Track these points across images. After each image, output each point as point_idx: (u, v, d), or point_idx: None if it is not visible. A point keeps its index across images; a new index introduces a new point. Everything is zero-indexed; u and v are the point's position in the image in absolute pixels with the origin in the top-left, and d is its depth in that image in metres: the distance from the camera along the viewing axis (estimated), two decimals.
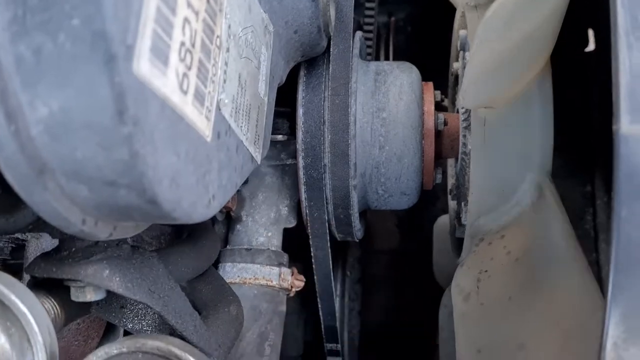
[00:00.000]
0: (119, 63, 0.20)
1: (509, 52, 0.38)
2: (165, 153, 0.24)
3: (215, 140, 0.29)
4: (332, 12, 0.47)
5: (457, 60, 0.61)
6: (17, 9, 0.20)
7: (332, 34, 0.47)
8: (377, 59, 0.81)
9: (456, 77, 0.62)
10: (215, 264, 0.54)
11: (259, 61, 0.38)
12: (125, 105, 0.21)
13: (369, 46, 0.76)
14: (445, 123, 0.53)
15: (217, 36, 0.29)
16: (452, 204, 0.64)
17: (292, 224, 0.56)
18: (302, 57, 0.47)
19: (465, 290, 0.42)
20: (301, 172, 0.49)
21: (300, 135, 0.49)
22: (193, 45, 0.26)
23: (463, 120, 0.54)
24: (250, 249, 0.53)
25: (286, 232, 0.56)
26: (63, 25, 0.20)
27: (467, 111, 0.52)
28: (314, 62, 0.49)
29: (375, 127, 0.50)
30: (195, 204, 0.28)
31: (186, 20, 0.25)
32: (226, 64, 0.31)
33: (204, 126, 0.28)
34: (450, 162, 0.65)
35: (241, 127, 0.34)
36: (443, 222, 0.69)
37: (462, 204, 0.53)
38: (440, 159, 0.56)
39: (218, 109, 0.30)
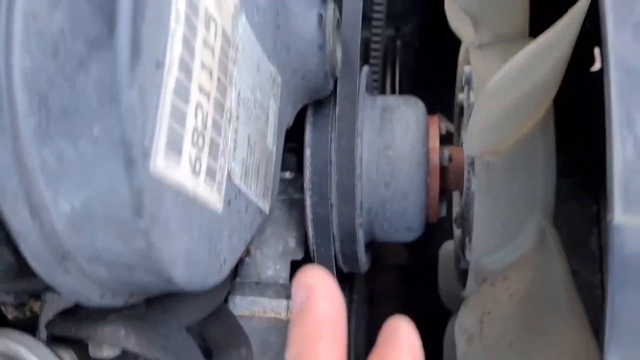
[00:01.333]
0: (138, 166, 0.21)
1: (515, 104, 0.39)
2: (179, 237, 0.25)
3: (226, 208, 0.31)
4: (339, 55, 0.48)
5: (462, 91, 0.62)
6: (41, 117, 0.21)
7: (338, 76, 0.49)
8: (383, 80, 0.82)
9: (461, 108, 0.63)
10: (225, 297, 0.55)
11: (267, 115, 0.39)
12: (143, 203, 0.22)
13: (375, 64, 0.77)
14: (450, 159, 0.54)
15: (228, 109, 0.30)
16: (457, 232, 0.65)
17: (299, 256, 0.57)
18: (309, 100, 0.49)
19: (469, 332, 0.43)
20: (308, 210, 0.51)
21: (307, 174, 0.50)
22: (205, 127, 0.27)
23: (469, 160, 0.55)
24: (259, 283, 0.55)
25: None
26: (84, 133, 0.21)
27: None
28: (321, 102, 0.50)
29: (381, 165, 0.52)
30: (208, 273, 0.29)
31: (198, 105, 0.26)
32: (236, 131, 0.32)
33: (216, 200, 0.29)
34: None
35: (250, 186, 0.35)
36: (448, 247, 0.70)
37: (467, 239, 0.54)
38: (445, 193, 0.57)
39: (229, 177, 0.31)
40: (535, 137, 0.45)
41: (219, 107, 0.29)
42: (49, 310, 0.40)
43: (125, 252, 0.23)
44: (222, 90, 0.29)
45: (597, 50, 1.03)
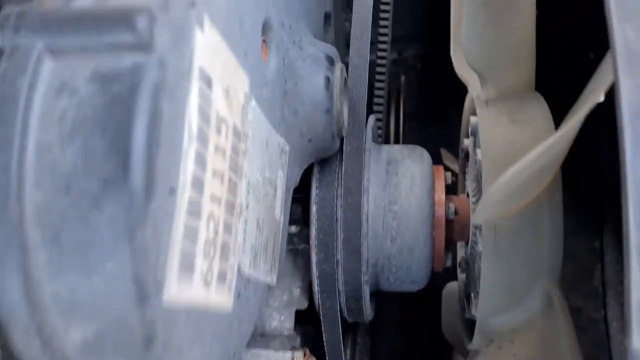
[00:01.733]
0: (151, 301, 0.21)
1: (524, 183, 0.39)
2: (191, 352, 0.25)
3: (235, 301, 0.30)
4: (346, 115, 0.48)
5: (467, 137, 0.62)
6: (52, 252, 0.21)
7: (344, 134, 0.48)
8: (388, 104, 0.81)
9: (466, 153, 0.63)
10: None
11: (275, 188, 0.39)
12: (155, 333, 0.22)
13: (380, 87, 0.76)
14: (456, 212, 0.54)
15: (239, 204, 0.30)
16: (461, 276, 0.65)
17: (304, 305, 0.57)
18: (316, 159, 0.48)
19: None
20: (314, 267, 0.50)
21: (313, 231, 0.50)
22: (216, 233, 0.27)
23: (474, 208, 0.54)
24: (264, 335, 0.54)
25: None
26: (97, 269, 0.21)
27: (479, 200, 0.53)
28: (327, 158, 0.50)
29: (387, 220, 0.51)
30: None
31: (210, 216, 0.26)
32: (246, 221, 0.32)
33: (226, 300, 0.29)
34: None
35: (259, 267, 0.35)
36: (452, 287, 0.70)
37: (472, 293, 0.54)
38: (450, 244, 0.57)
39: (238, 270, 0.31)
40: (542, 201, 0.44)
41: (230, 207, 0.29)
42: None
43: None
44: (233, 188, 0.29)
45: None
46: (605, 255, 0.84)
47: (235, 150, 0.29)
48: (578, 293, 0.83)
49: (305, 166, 0.48)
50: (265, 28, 0.37)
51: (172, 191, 0.22)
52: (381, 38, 0.79)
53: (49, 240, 0.21)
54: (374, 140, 0.58)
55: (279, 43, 0.39)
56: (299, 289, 0.58)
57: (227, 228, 0.28)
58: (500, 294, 0.46)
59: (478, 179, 0.52)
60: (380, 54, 0.79)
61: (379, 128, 0.69)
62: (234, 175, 0.29)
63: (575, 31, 0.95)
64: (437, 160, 0.90)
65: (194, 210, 0.24)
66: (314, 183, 0.51)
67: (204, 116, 0.25)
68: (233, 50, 0.29)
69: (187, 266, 0.23)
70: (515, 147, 0.47)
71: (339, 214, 0.50)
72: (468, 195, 0.57)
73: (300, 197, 0.56)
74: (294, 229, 0.53)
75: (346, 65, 0.52)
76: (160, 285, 0.21)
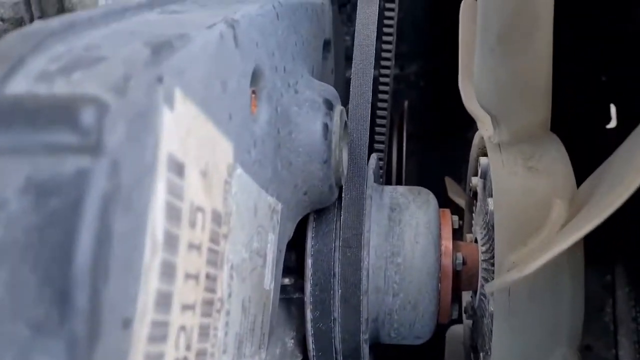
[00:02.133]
0: None
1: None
2: None
3: None
4: (345, 162, 0.43)
5: (475, 174, 0.57)
6: None
7: (344, 183, 0.44)
8: (389, 141, 0.77)
9: (474, 193, 0.58)
10: None
11: (265, 256, 0.34)
12: None
13: (383, 108, 0.72)
14: (464, 261, 0.50)
15: (219, 298, 0.26)
16: (467, 322, 0.61)
17: (298, 358, 0.52)
18: (312, 210, 0.44)
19: None
20: (309, 324, 0.46)
21: (308, 287, 0.45)
22: (188, 347, 0.22)
23: (483, 257, 0.50)
24: None
25: None
26: None
27: (489, 249, 0.49)
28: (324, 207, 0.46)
29: (389, 273, 0.47)
30: None
31: (181, 330, 0.22)
32: (228, 313, 0.27)
33: None
34: None
35: (244, 353, 0.31)
36: (456, 331, 0.66)
37: (480, 351, 0.50)
38: (457, 294, 0.52)
39: None
40: (562, 262, 0.40)
41: (208, 307, 0.24)
42: None
43: None
44: (212, 285, 0.24)
45: (613, 108, 0.98)
46: (617, 290, 0.80)
47: (214, 239, 0.24)
48: (588, 330, 0.79)
49: (300, 218, 0.44)
50: (255, 77, 0.33)
51: (127, 323, 0.18)
52: (385, 54, 0.75)
53: None
54: (376, 181, 0.54)
55: (271, 90, 0.35)
56: (292, 341, 0.54)
57: (204, 333, 0.24)
58: None
59: (489, 229, 0.48)
60: (383, 71, 0.74)
61: (381, 167, 0.64)
62: (212, 269, 0.24)
63: (587, 51, 0.91)
64: (441, 185, 0.87)
65: (158, 335, 0.20)
66: (310, 233, 0.46)
67: (174, 216, 0.20)
68: (214, 118, 0.25)
69: None
70: (533, 199, 0.43)
71: (337, 268, 0.46)
72: (476, 240, 0.53)
73: (294, 243, 0.51)
74: (287, 280, 0.49)
75: (348, 80, 0.47)
76: None
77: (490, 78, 0.45)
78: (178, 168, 0.21)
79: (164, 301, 0.20)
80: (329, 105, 0.40)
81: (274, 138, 0.35)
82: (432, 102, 1.10)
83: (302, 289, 0.49)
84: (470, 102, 0.56)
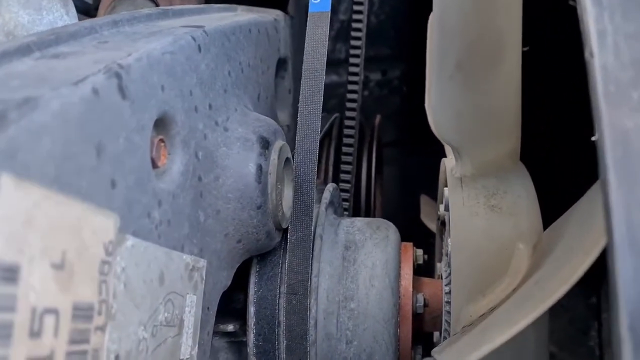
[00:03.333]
0: None
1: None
2: None
3: None
4: (287, 204, 0.39)
5: (442, 202, 0.53)
6: None
7: (287, 223, 0.40)
8: (359, 152, 0.73)
9: (442, 222, 0.55)
10: None
11: (181, 323, 0.31)
12: None
13: (350, 117, 0.68)
14: (426, 304, 0.46)
15: None
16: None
17: None
18: (250, 255, 0.40)
19: None
20: None
21: (251, 337, 0.41)
22: None
23: (446, 298, 0.46)
24: None
25: None
26: None
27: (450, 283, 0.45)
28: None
29: (342, 319, 0.43)
30: None
31: None
32: None
33: None
34: None
35: None
36: None
37: None
38: (419, 337, 0.48)
39: None
40: (527, 334, 0.36)
41: None
42: None
43: None
44: None
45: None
46: (602, 312, 0.76)
47: (78, 338, 0.21)
48: (573, 354, 0.76)
49: (238, 264, 0.40)
50: (163, 124, 0.29)
51: None
52: (353, 60, 0.70)
53: None
54: (335, 212, 0.50)
55: (188, 135, 0.31)
56: None
57: None
58: None
59: (450, 268, 0.44)
60: (351, 77, 0.70)
61: (347, 189, 0.60)
62: None
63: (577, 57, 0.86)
64: (418, 194, 0.82)
65: None
66: (252, 278, 0.43)
67: None
68: (81, 192, 0.21)
69: None
70: (494, 243, 0.39)
71: (282, 317, 0.42)
72: (441, 277, 0.49)
73: (238, 284, 0.47)
74: (231, 327, 0.45)
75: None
76: None
77: (449, 108, 0.41)
78: (7, 273, 0.17)
79: None
80: (264, 143, 0.36)
81: (193, 188, 0.31)
82: (415, 107, 1.06)
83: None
84: (437, 129, 0.53)
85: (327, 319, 0.43)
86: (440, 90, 0.40)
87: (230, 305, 0.46)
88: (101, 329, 0.22)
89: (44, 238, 0.19)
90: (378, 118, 0.71)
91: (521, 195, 0.41)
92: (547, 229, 0.38)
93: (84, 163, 0.21)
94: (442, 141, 0.45)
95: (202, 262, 0.33)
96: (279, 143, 0.38)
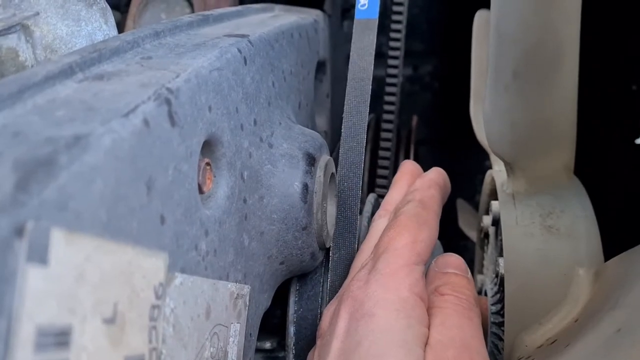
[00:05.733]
0: None
1: None
2: None
3: None
4: (331, 220, 0.37)
5: (486, 212, 0.51)
6: None
7: (330, 242, 0.38)
8: (395, 156, 0.70)
9: (485, 234, 0.52)
10: None
11: (224, 356, 0.29)
12: None
13: (389, 111, 0.66)
14: None
15: None
16: None
17: None
18: (292, 275, 0.38)
19: None
20: None
21: (291, 358, 0.40)
22: None
23: (492, 319, 0.44)
24: None
25: None
26: None
27: (499, 311, 0.43)
28: None
29: None
30: None
31: None
32: None
33: None
34: None
35: None
36: None
37: None
38: None
39: None
40: None
41: None
42: None
43: None
44: None
45: None
46: None
47: None
48: None
49: (279, 284, 0.38)
50: (210, 146, 0.27)
51: None
52: (392, 53, 0.68)
53: None
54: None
55: (234, 156, 0.29)
56: None
57: None
58: None
59: (500, 291, 0.42)
60: (390, 71, 0.67)
61: (384, 185, 0.58)
62: None
63: (616, 59, 0.83)
64: (453, 196, 0.80)
65: None
66: (292, 297, 0.41)
67: None
68: (132, 235, 0.19)
69: None
70: (551, 268, 0.36)
71: None
72: (486, 294, 0.47)
73: (278, 302, 0.46)
74: (269, 344, 0.44)
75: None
76: None
77: (504, 120, 0.38)
78: (57, 338, 0.15)
79: None
80: (310, 160, 0.34)
81: (238, 211, 0.30)
82: (446, 104, 1.03)
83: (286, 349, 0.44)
84: (482, 132, 0.50)
85: None
86: (494, 101, 0.38)
87: (267, 322, 0.45)
88: None
89: (95, 292, 0.17)
90: (415, 119, 0.68)
91: (579, 215, 0.38)
92: (617, 257, 0.35)
93: (135, 202, 0.20)
94: (495, 155, 0.43)
95: (246, 289, 0.31)
96: (324, 158, 0.36)
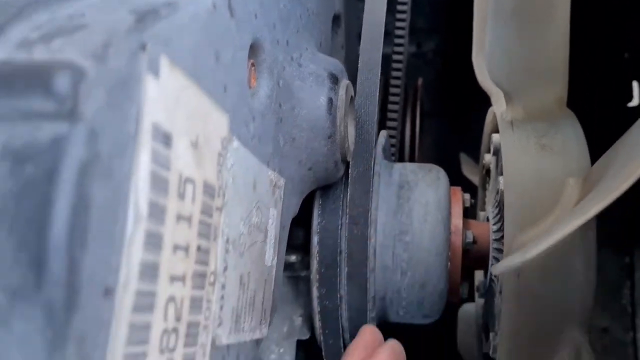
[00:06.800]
0: None
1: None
2: None
3: None
4: (351, 138, 0.42)
5: (487, 151, 0.56)
6: None
7: (350, 158, 0.43)
8: (405, 103, 0.75)
9: (487, 170, 0.57)
10: None
11: (266, 231, 0.34)
12: None
13: (396, 85, 0.71)
14: (475, 240, 0.49)
15: (212, 272, 0.25)
16: (479, 301, 0.60)
17: (305, 335, 0.52)
18: (317, 186, 0.43)
19: None
20: (315, 302, 0.46)
21: (314, 264, 0.45)
22: (179, 319, 0.22)
23: (494, 236, 0.49)
24: None
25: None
26: None
27: (500, 228, 0.48)
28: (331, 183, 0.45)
29: (398, 251, 0.46)
30: None
31: (170, 300, 0.21)
32: (223, 286, 0.27)
33: None
34: None
35: (243, 328, 0.31)
36: (468, 310, 0.65)
37: (490, 331, 0.49)
38: (467, 274, 0.52)
39: (213, 344, 0.26)
40: (573, 240, 0.39)
41: (200, 279, 0.24)
42: None
43: None
44: (204, 257, 0.24)
45: (635, 85, 0.95)
46: (636, 272, 0.78)
47: (206, 211, 0.24)
48: (605, 312, 0.78)
49: (306, 193, 0.43)
50: (254, 50, 0.32)
51: (109, 292, 0.18)
52: (398, 32, 0.73)
53: None
54: (386, 157, 0.53)
55: (272, 64, 0.34)
56: (300, 318, 0.54)
57: (196, 305, 0.24)
58: (523, 345, 0.41)
59: (500, 208, 0.47)
60: (397, 48, 0.73)
61: (393, 144, 0.63)
62: (204, 241, 0.24)
63: (609, 30, 0.88)
64: (455, 164, 0.85)
65: (144, 305, 0.19)
66: (316, 210, 0.46)
67: (159, 186, 0.20)
68: (206, 89, 0.24)
69: None
70: (544, 178, 0.42)
71: (343, 245, 0.45)
72: (488, 219, 0.52)
73: (301, 218, 0.51)
74: (294, 258, 0.49)
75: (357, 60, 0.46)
76: None
77: (503, 52, 0.44)
78: (165, 138, 0.21)
79: (149, 271, 0.20)
80: (334, 80, 0.39)
81: (275, 113, 0.35)
82: (449, 80, 1.07)
83: (309, 267, 0.49)
84: (484, 77, 0.55)
85: (383, 252, 0.47)
86: (495, 36, 0.43)
87: (290, 242, 0.50)
88: (219, 210, 0.26)
89: (185, 119, 0.22)
90: (420, 80, 0.74)
91: (571, 137, 0.43)
92: (595, 163, 0.40)
93: (207, 65, 0.25)
94: (494, 86, 0.48)
95: (282, 181, 0.36)
96: (345, 81, 0.41)
